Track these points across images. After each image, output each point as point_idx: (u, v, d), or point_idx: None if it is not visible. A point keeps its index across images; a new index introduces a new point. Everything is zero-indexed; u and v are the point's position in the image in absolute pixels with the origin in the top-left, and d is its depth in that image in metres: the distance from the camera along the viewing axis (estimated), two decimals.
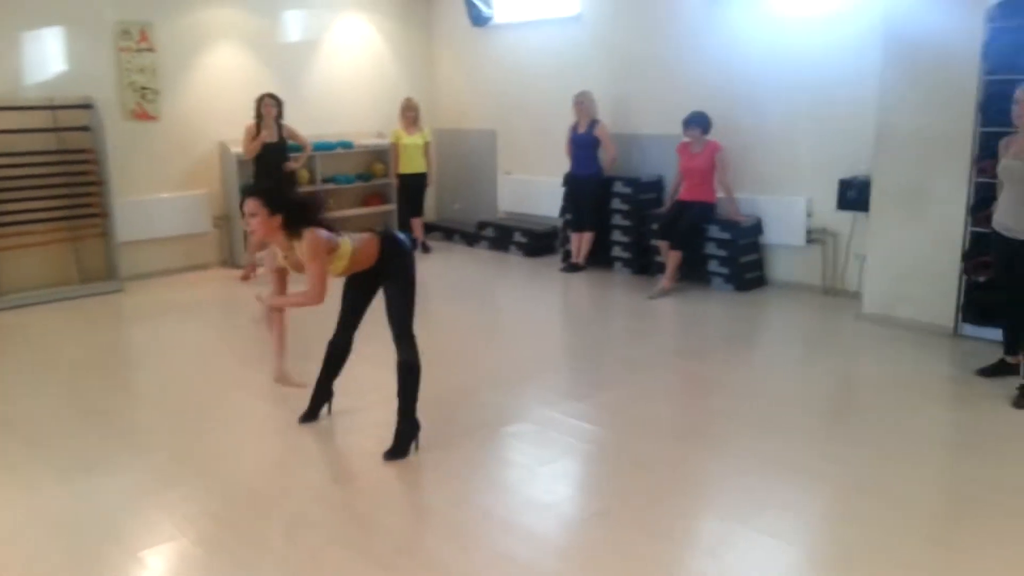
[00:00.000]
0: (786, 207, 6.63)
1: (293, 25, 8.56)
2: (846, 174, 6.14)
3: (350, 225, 9.09)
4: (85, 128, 7.03)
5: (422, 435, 3.84)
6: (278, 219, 3.49)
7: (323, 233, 3.53)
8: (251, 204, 3.47)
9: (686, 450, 3.83)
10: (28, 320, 6.37)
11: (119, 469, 3.74)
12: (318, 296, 3.53)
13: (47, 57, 7.03)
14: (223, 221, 8.20)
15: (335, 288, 3.77)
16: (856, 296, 6.09)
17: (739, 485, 3.48)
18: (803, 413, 4.25)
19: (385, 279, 3.76)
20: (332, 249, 3.55)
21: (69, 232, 7.11)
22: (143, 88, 7.53)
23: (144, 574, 2.91)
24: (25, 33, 6.90)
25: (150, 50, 7.52)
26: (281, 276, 3.78)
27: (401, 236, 3.87)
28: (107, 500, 3.44)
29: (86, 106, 7.03)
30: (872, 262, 5.81)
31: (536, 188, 8.62)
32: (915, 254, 5.53)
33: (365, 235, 3.76)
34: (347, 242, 3.62)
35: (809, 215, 6.53)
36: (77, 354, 5.50)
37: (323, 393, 4.17)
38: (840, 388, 4.80)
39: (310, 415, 4.17)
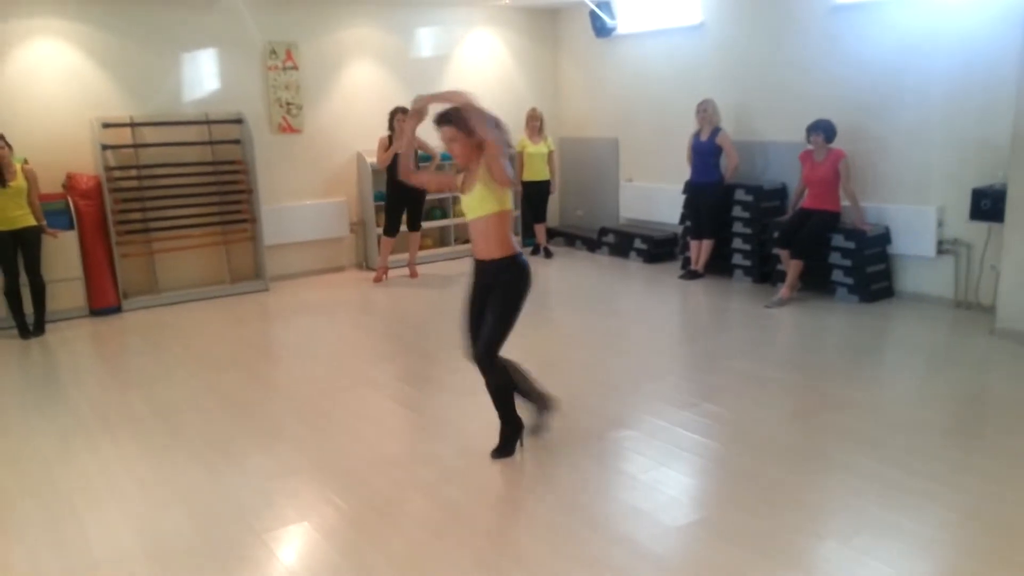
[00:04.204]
0: (915, 216, 6.39)
1: (426, 41, 8.95)
2: (980, 183, 5.86)
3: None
4: (236, 141, 7.66)
5: (527, 436, 4.02)
6: (475, 139, 3.69)
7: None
8: (448, 131, 3.70)
9: (791, 465, 3.80)
10: (183, 317, 7.01)
11: (252, 456, 4.13)
12: (509, 182, 3.78)
13: (203, 76, 7.70)
14: (359, 226, 8.69)
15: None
16: (992, 310, 5.80)
17: (842, 504, 3.44)
18: (921, 433, 4.11)
19: (496, 291, 3.79)
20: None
21: (221, 236, 7.76)
22: (288, 103, 8.11)
23: (268, 554, 3.22)
24: (184, 54, 7.58)
25: (294, 68, 8.08)
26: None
27: (527, 263, 3.88)
28: (239, 484, 3.81)
29: (237, 120, 7.65)
30: (1006, 275, 5.52)
31: (657, 195, 8.65)
32: None
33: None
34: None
35: (940, 225, 6.27)
36: (224, 349, 6.03)
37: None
38: (964, 408, 4.58)
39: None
